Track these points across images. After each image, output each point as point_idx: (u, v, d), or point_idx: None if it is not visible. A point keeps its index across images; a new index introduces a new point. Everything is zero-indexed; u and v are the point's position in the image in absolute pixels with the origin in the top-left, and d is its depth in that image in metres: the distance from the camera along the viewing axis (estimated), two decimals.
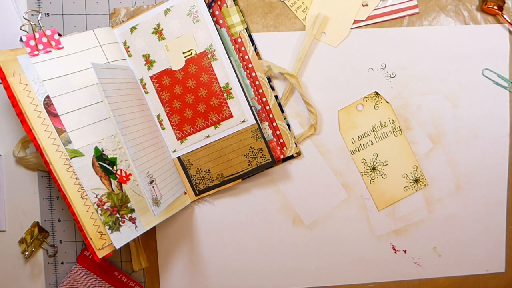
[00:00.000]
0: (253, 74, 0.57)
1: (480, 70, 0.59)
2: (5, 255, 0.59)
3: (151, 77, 0.56)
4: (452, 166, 0.60)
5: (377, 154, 0.60)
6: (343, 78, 0.59)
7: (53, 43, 0.50)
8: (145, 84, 0.56)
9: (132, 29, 0.55)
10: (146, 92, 0.56)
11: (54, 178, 0.50)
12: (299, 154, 0.59)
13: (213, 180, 0.57)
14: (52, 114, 0.50)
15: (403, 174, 0.60)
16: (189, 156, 0.57)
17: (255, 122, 0.55)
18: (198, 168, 0.57)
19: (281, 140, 0.58)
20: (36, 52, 0.50)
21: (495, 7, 0.57)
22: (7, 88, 0.48)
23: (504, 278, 0.63)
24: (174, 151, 0.57)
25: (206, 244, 0.60)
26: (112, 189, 0.52)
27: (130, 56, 0.55)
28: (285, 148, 0.58)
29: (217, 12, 0.55)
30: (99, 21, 0.57)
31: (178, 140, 0.57)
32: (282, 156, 0.57)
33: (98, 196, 0.51)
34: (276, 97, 0.58)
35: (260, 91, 0.57)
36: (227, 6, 0.56)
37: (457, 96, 0.59)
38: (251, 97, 0.56)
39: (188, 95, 0.55)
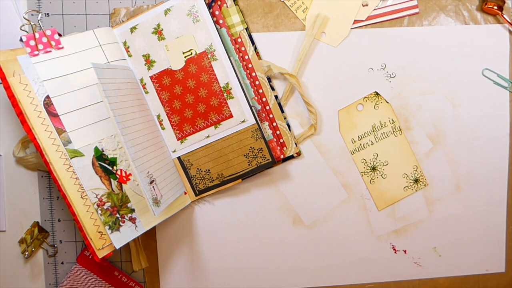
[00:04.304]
0: (253, 74, 0.57)
1: (480, 70, 0.59)
2: (5, 255, 0.59)
3: (151, 77, 0.56)
4: (452, 166, 0.60)
5: (377, 154, 0.60)
6: (343, 78, 0.59)
7: (53, 43, 0.50)
8: (145, 84, 0.56)
9: (132, 29, 0.55)
10: (146, 92, 0.56)
11: (54, 178, 0.50)
12: (299, 154, 0.59)
13: (213, 180, 0.57)
14: (52, 114, 0.50)
15: (403, 174, 0.60)
16: (189, 156, 0.57)
17: (255, 122, 0.55)
18: (198, 168, 0.57)
19: (281, 140, 0.58)
20: (36, 52, 0.50)
21: (495, 7, 0.57)
22: (7, 88, 0.48)
23: (504, 278, 0.63)
24: (174, 151, 0.57)
25: (206, 244, 0.60)
26: (112, 189, 0.52)
27: (130, 56, 0.55)
28: (285, 148, 0.58)
29: (217, 12, 0.55)
30: (99, 21, 0.57)
31: (178, 140, 0.57)
32: (282, 156, 0.57)
33: (98, 196, 0.51)
34: (276, 97, 0.58)
35: (260, 91, 0.57)
36: (227, 6, 0.56)
37: (457, 96, 0.59)
38: (251, 97, 0.56)
39: (188, 95, 0.55)
